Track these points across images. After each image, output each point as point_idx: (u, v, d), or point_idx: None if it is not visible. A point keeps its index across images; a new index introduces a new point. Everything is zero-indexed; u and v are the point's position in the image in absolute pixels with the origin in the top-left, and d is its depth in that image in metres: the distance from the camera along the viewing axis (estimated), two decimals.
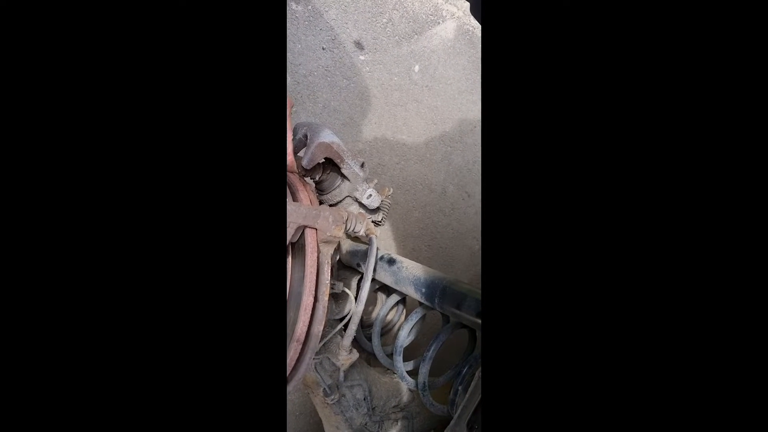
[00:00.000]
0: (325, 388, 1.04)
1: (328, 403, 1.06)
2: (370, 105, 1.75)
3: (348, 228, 0.82)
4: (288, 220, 0.71)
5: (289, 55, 1.55)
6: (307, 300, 0.72)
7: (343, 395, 1.08)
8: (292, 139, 0.94)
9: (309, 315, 0.72)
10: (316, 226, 0.75)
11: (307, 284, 0.72)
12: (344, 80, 1.66)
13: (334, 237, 0.76)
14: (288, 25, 1.51)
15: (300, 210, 0.72)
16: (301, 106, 1.61)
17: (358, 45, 1.67)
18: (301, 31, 1.53)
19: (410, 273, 0.99)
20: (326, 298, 0.74)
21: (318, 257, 0.74)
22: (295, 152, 0.95)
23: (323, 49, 1.60)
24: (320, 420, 1.93)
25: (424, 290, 0.95)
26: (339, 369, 0.98)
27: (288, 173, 0.87)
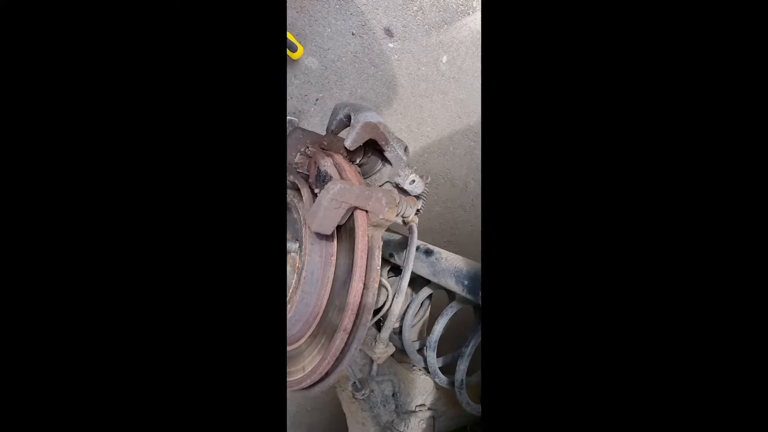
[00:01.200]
0: (355, 383, 0.99)
1: (356, 399, 1.02)
2: (397, 94, 1.71)
3: (400, 212, 0.77)
4: (339, 199, 0.67)
5: (318, 39, 1.50)
6: (357, 286, 0.67)
7: (372, 390, 1.04)
8: (333, 119, 0.90)
9: (358, 303, 0.67)
10: (368, 208, 0.70)
11: (357, 270, 0.67)
12: (372, 67, 1.62)
13: (386, 220, 0.71)
14: (318, 8, 1.46)
15: (353, 189, 0.67)
16: (328, 92, 1.56)
17: (388, 32, 1.62)
18: (332, 15, 1.48)
19: (450, 264, 0.94)
20: (376, 285, 0.69)
21: (369, 241, 0.69)
22: (335, 133, 0.90)
23: (353, 34, 1.55)
24: (333, 415, 1.90)
25: (466, 283, 0.91)
26: (372, 363, 0.93)
27: (334, 154, 0.82)
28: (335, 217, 0.68)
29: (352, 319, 0.67)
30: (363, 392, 0.96)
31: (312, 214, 0.68)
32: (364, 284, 0.68)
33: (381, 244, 0.71)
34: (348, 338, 0.68)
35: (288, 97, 1.50)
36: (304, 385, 0.74)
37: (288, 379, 0.79)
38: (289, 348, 0.80)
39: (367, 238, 0.69)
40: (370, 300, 0.68)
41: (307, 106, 1.52)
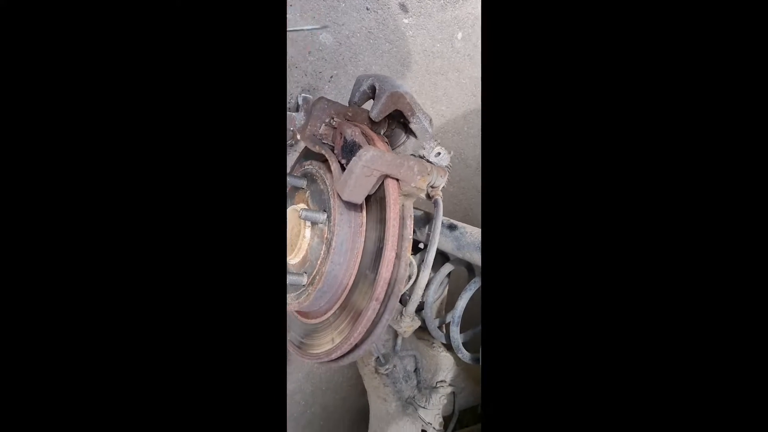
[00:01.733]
0: (379, 357, 0.99)
1: (380, 374, 1.01)
2: (411, 71, 1.68)
3: (431, 181, 0.75)
4: (371, 166, 0.65)
5: (332, 13, 1.47)
6: (389, 255, 0.66)
7: (395, 366, 1.04)
8: (356, 91, 0.88)
9: (390, 272, 0.66)
10: (400, 176, 0.68)
11: (390, 239, 0.66)
12: (387, 44, 1.58)
13: (418, 189, 0.70)
14: None
15: (385, 157, 0.66)
16: (343, 69, 1.53)
17: (403, 7, 1.58)
18: None
19: (475, 238, 0.93)
20: (408, 255, 0.68)
21: (401, 211, 0.68)
22: (359, 104, 0.88)
23: (367, 9, 1.51)
24: (348, 395, 1.91)
25: None
26: (395, 338, 0.93)
27: (359, 124, 0.80)
28: (367, 185, 0.66)
29: (384, 288, 0.66)
30: (386, 367, 0.96)
31: (343, 182, 0.67)
32: (397, 254, 0.67)
33: (412, 213, 0.69)
34: (380, 308, 0.67)
35: (302, 74, 1.47)
36: (334, 356, 0.74)
37: (315, 352, 0.79)
38: (316, 320, 0.80)
39: (399, 207, 0.68)
40: (403, 270, 0.67)
41: (321, 84, 1.50)
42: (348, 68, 1.52)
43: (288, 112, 1.47)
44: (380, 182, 0.68)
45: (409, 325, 0.89)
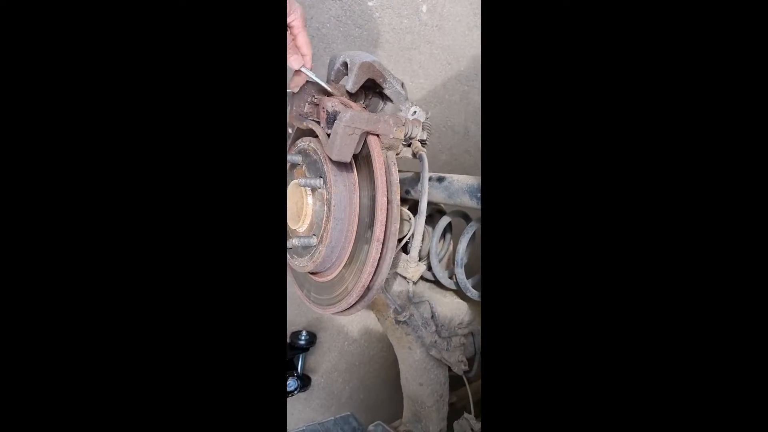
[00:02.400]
0: (395, 308, 1.08)
1: (399, 321, 1.11)
2: (384, 50, 1.76)
3: (407, 132, 0.84)
4: (352, 125, 0.74)
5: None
6: (381, 200, 0.75)
7: (412, 314, 1.13)
8: (330, 70, 0.96)
9: (385, 214, 0.75)
10: (378, 131, 0.77)
11: (379, 186, 0.75)
12: (356, 29, 1.66)
13: (396, 140, 0.79)
14: None
15: (362, 116, 0.75)
16: (318, 60, 1.62)
17: None
18: None
19: (463, 183, 1.01)
20: (398, 198, 0.77)
21: (385, 161, 0.77)
22: (336, 81, 0.97)
23: None
24: (381, 367, 2.00)
25: (479, 195, 0.98)
26: (408, 283, 1.02)
27: (338, 97, 0.89)
28: (351, 143, 0.76)
29: (382, 230, 0.76)
30: (404, 314, 1.05)
31: (330, 145, 0.76)
32: (387, 198, 0.76)
33: (395, 162, 0.78)
34: (382, 248, 0.77)
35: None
36: (351, 301, 0.83)
37: (333, 305, 0.89)
38: (330, 276, 0.89)
39: (383, 158, 0.77)
40: (395, 210, 0.76)
41: (314, 63, 1.60)
42: (324, 58, 1.61)
43: None
44: (363, 140, 0.77)
45: (415, 269, 0.98)
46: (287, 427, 1.85)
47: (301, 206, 0.89)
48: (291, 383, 1.57)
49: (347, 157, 0.77)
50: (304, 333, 1.67)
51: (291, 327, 1.74)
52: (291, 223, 0.92)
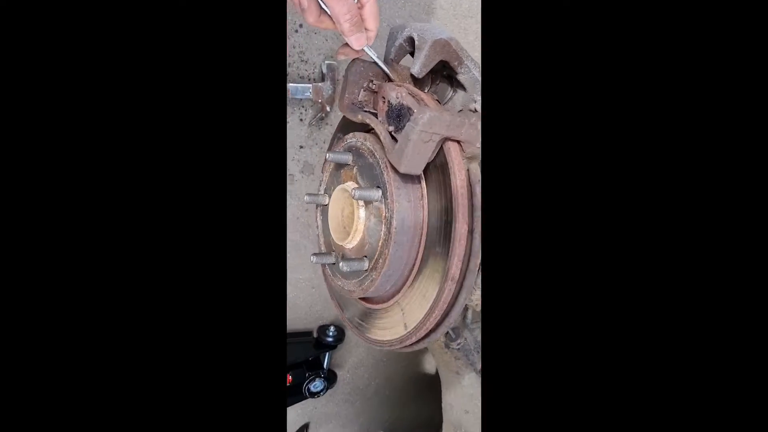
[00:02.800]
0: (449, 333, 0.93)
1: (451, 348, 0.96)
2: (437, 17, 1.53)
3: None
4: (430, 131, 0.56)
5: None
6: (461, 229, 0.58)
7: (465, 338, 0.98)
8: (391, 46, 0.77)
9: (464, 247, 0.58)
10: (461, 137, 0.60)
11: (459, 210, 0.58)
12: None
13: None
14: None
15: (443, 117, 0.57)
16: None
17: None
18: None
19: None
20: (480, 226, 0.60)
21: (467, 176, 0.59)
22: (397, 61, 0.78)
23: None
24: (408, 364, 1.90)
25: None
26: (467, 309, 0.87)
27: (403, 84, 0.71)
28: (426, 153, 0.58)
29: (459, 266, 0.59)
30: (458, 342, 0.90)
31: (398, 153, 0.59)
32: (469, 228, 0.59)
33: (480, 179, 0.61)
34: (456, 288, 0.60)
35: (323, 39, 1.37)
36: (408, 342, 0.68)
37: (386, 338, 0.74)
38: (381, 305, 0.74)
39: (465, 173, 0.60)
40: (477, 243, 0.59)
41: None
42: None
43: (313, 84, 1.38)
44: (439, 146, 0.60)
45: (479, 295, 0.82)
46: (311, 422, 1.79)
47: (351, 219, 0.73)
48: (317, 384, 1.47)
49: (419, 170, 0.60)
50: (332, 328, 1.55)
51: (318, 321, 1.62)
52: (335, 236, 0.76)
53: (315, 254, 0.77)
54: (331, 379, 1.59)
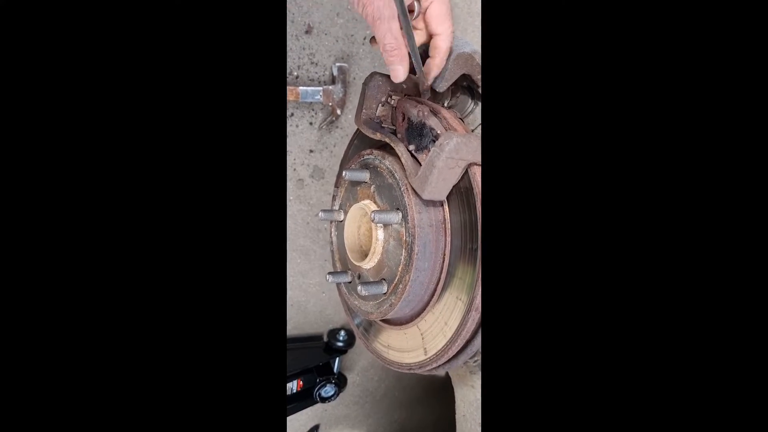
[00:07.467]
0: None
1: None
2: (453, 16, 1.49)
3: None
4: (456, 157, 0.54)
5: None
6: None
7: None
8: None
9: None
10: None
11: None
12: None
13: None
14: None
15: (471, 143, 0.54)
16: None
17: None
18: None
19: None
20: None
21: None
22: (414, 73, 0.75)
23: None
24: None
25: None
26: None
27: (424, 101, 0.68)
28: (451, 179, 0.56)
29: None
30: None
31: (422, 179, 0.56)
32: None
33: None
34: (481, 317, 0.58)
35: (333, 41, 1.33)
36: (428, 368, 0.67)
37: (405, 362, 0.72)
38: (400, 328, 0.72)
39: None
40: None
41: (355, 48, 1.36)
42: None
43: (324, 87, 1.34)
44: (464, 171, 0.57)
45: None
46: (321, 423, 1.79)
47: (368, 238, 0.71)
48: (328, 389, 1.47)
49: (443, 196, 0.57)
50: (342, 333, 1.54)
51: (329, 324, 1.61)
52: (352, 255, 0.74)
53: (331, 273, 0.75)
54: (341, 383, 1.59)
